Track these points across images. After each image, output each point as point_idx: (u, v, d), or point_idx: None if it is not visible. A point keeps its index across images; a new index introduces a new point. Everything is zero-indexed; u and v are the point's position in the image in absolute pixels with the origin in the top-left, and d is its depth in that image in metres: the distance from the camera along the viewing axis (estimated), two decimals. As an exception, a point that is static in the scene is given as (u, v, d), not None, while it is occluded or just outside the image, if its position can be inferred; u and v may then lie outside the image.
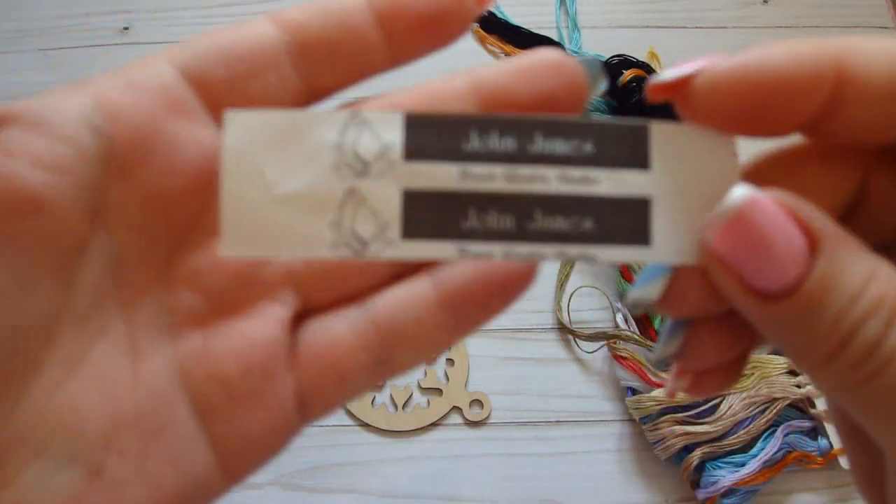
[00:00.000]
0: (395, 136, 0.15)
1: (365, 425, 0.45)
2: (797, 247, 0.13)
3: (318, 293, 0.17)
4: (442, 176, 0.15)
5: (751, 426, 0.41)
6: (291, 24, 0.16)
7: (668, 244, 0.15)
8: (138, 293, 0.17)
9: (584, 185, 0.15)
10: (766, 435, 0.42)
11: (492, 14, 0.57)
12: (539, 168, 0.15)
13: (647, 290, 0.15)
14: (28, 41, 0.57)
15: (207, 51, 0.16)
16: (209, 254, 0.17)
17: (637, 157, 0.15)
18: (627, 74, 0.52)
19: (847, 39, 0.14)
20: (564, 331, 0.47)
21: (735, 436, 0.41)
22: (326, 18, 0.16)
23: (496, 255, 0.15)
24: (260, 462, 0.17)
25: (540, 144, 0.15)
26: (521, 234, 0.15)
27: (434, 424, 0.44)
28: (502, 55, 0.56)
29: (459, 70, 0.17)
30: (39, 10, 0.58)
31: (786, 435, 0.41)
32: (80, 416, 0.15)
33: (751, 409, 0.41)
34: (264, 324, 0.17)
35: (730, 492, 0.40)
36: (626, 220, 0.15)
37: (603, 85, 0.16)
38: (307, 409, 0.17)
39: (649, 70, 0.53)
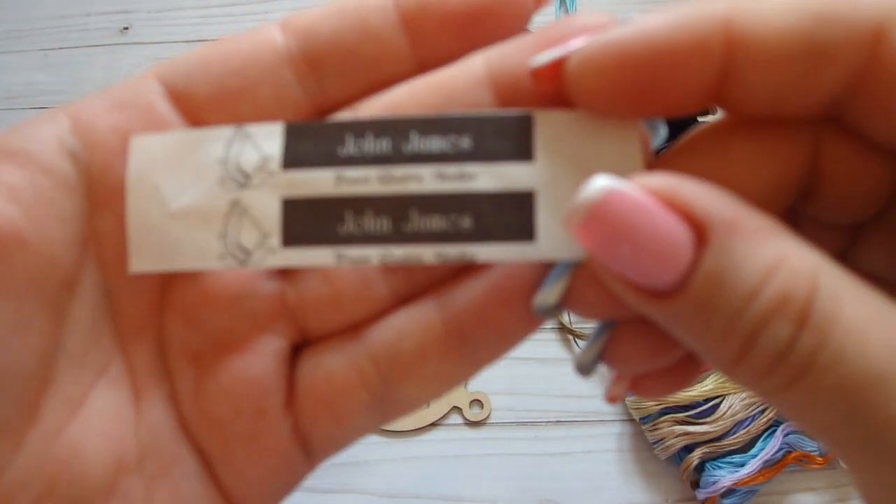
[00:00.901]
0: (274, 146, 0.15)
1: (365, 425, 0.45)
2: (678, 239, 0.11)
3: (315, 323, 0.16)
4: (319, 182, 0.15)
5: (751, 426, 0.41)
6: (301, 28, 0.15)
7: (555, 239, 0.14)
8: (133, 327, 0.16)
9: (460, 182, 0.14)
10: (765, 435, 0.42)
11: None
12: (414, 167, 0.14)
13: (545, 293, 0.14)
14: (28, 41, 0.57)
15: (197, 66, 0.15)
16: (201, 284, 0.16)
17: (519, 148, 0.14)
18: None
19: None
20: (564, 331, 0.47)
21: (735, 436, 0.41)
22: (341, 21, 0.15)
23: (373, 259, 0.14)
24: (270, 503, 0.16)
25: (416, 143, 0.14)
26: (398, 235, 0.14)
27: (434, 424, 0.44)
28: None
29: (473, 55, 0.15)
30: (39, 10, 0.58)
31: (786, 435, 0.41)
32: (83, 460, 0.15)
33: (751, 409, 0.41)
34: (257, 359, 0.16)
35: (730, 492, 0.40)
36: (508, 216, 0.14)
37: (663, 132, 0.15)
38: (311, 448, 0.16)
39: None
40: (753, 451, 0.41)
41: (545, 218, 0.14)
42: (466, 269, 0.15)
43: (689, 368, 0.15)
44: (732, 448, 0.41)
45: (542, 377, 0.46)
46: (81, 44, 0.56)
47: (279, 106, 0.15)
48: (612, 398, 0.16)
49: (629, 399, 0.43)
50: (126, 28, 0.57)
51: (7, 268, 0.14)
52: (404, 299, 0.16)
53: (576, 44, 0.13)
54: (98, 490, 0.15)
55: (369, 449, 0.44)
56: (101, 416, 0.15)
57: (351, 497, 0.43)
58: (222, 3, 0.58)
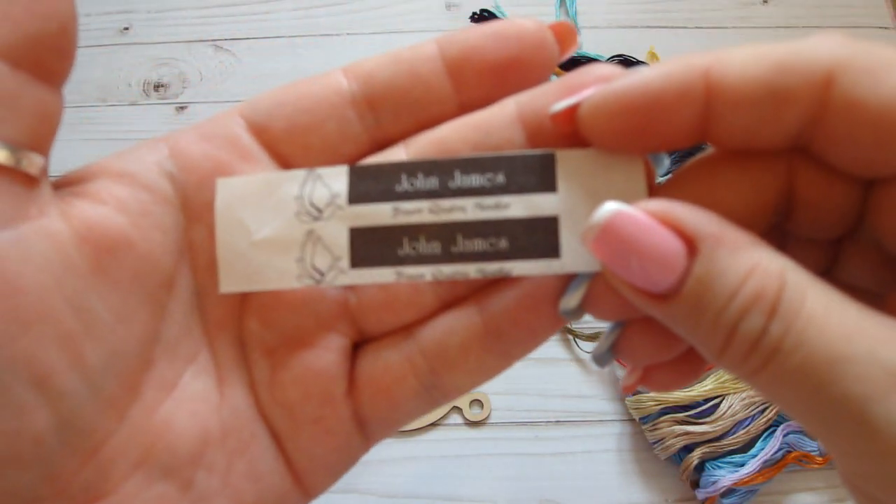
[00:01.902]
0: (341, 185, 0.18)
1: (365, 425, 0.45)
2: (673, 250, 0.14)
3: (372, 324, 0.19)
4: (379, 214, 0.17)
5: (750, 426, 0.41)
6: (362, 74, 0.18)
7: (576, 256, 0.17)
8: (217, 325, 0.18)
9: (497, 211, 0.17)
10: (765, 435, 0.42)
11: (491, 14, 0.57)
12: (458, 200, 0.17)
13: (568, 298, 0.17)
14: (28, 41, 0.57)
15: (273, 105, 0.18)
16: (274, 291, 0.18)
17: (544, 182, 0.17)
18: (627, 74, 0.52)
19: (717, 52, 0.15)
20: (564, 331, 0.47)
21: (735, 436, 0.41)
22: (396, 68, 0.18)
23: (426, 276, 0.17)
24: (331, 479, 0.19)
25: (459, 180, 0.17)
26: (447, 256, 0.17)
27: (434, 424, 0.45)
28: (502, 55, 0.56)
29: (506, 99, 0.17)
30: (39, 10, 0.58)
31: (785, 435, 0.41)
32: (174, 434, 0.17)
33: (750, 409, 0.41)
34: (323, 353, 0.18)
35: (729, 492, 0.40)
36: (538, 238, 0.17)
37: (665, 163, 0.17)
38: (368, 431, 0.19)
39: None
40: (753, 450, 0.41)
41: (567, 238, 0.17)
42: (501, 280, 0.18)
43: (693, 364, 0.18)
44: (732, 448, 0.41)
45: (542, 377, 0.46)
46: (81, 44, 0.56)
47: (342, 139, 0.18)
48: (626, 388, 0.19)
49: (629, 399, 0.43)
50: (126, 28, 0.57)
51: (116, 266, 0.16)
52: (448, 304, 0.18)
53: (587, 92, 0.16)
54: (186, 459, 0.17)
55: (369, 449, 0.44)
56: (191, 397, 0.18)
57: (351, 497, 0.43)
58: (222, 3, 0.58)
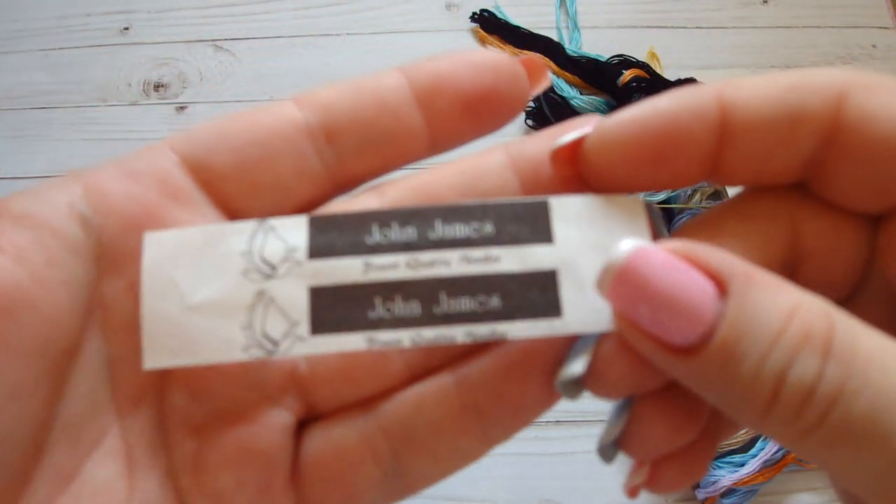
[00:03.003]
0: (300, 237, 0.15)
1: (365, 425, 0.45)
2: (703, 292, 0.12)
3: (325, 398, 0.16)
4: (347, 270, 0.15)
5: (751, 426, 0.41)
6: (319, 104, 0.15)
7: (581, 314, 0.15)
8: (133, 399, 0.15)
9: (486, 265, 0.15)
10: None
11: (491, 14, 0.57)
12: (440, 252, 0.15)
13: (571, 367, 0.15)
14: (28, 41, 0.57)
15: (215, 138, 0.15)
16: None
17: (539, 232, 0.15)
18: (627, 74, 0.52)
19: (728, 79, 0.15)
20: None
21: (734, 436, 0.41)
22: (359, 98, 0.15)
23: (404, 341, 0.15)
24: None
25: (440, 230, 0.15)
26: (429, 318, 0.15)
27: (434, 424, 0.45)
28: (502, 55, 0.56)
29: (494, 145, 0.16)
30: (40, 10, 0.58)
31: (786, 435, 0.42)
32: None
33: (751, 409, 0.41)
34: (262, 431, 0.15)
35: (729, 492, 0.40)
36: (534, 294, 0.15)
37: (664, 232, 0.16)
38: None
39: (649, 70, 0.53)
40: (753, 450, 0.41)
41: (569, 294, 0.15)
42: (482, 345, 0.15)
43: (704, 453, 0.15)
44: (732, 448, 0.41)
45: (542, 377, 0.46)
46: (82, 44, 0.57)
47: (298, 177, 0.15)
48: (631, 491, 0.16)
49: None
50: (126, 28, 0.57)
51: (14, 330, 0.13)
52: (419, 375, 0.16)
53: (590, 125, 0.15)
54: None
55: (369, 449, 0.44)
56: (93, 490, 0.15)
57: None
58: (222, 3, 0.58)
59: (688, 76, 0.54)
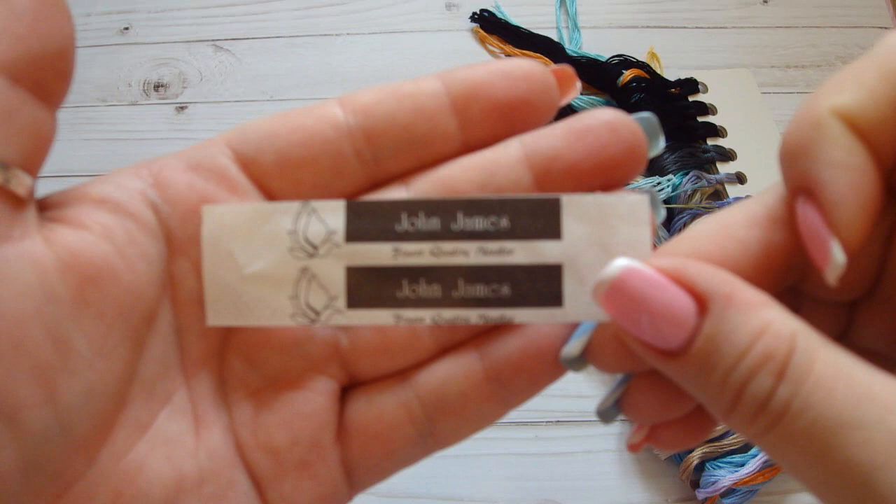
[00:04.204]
0: (338, 221, 0.17)
1: (365, 425, 0.45)
2: (683, 308, 0.14)
3: (365, 369, 0.18)
4: (378, 254, 0.17)
5: (751, 426, 0.41)
6: (360, 107, 0.17)
7: (579, 305, 0.16)
8: (197, 363, 0.17)
9: (500, 256, 0.17)
10: (765, 435, 0.42)
11: (491, 14, 0.57)
12: (460, 243, 0.17)
13: (570, 348, 0.17)
14: (28, 41, 0.57)
15: (263, 136, 0.17)
16: (264, 329, 0.18)
17: (549, 228, 0.17)
18: (627, 74, 0.52)
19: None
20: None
21: (735, 436, 0.41)
22: (398, 102, 0.17)
23: (426, 319, 0.17)
24: None
25: (461, 222, 0.17)
26: (448, 301, 0.17)
27: (434, 424, 0.44)
28: (502, 55, 0.56)
29: (510, 139, 0.17)
30: (39, 10, 0.58)
31: (786, 435, 0.41)
32: (146, 478, 0.16)
33: (751, 409, 0.41)
34: (312, 396, 0.17)
35: (730, 492, 0.40)
36: (541, 285, 0.17)
37: (661, 143, 0.17)
38: (355, 479, 0.18)
39: (649, 70, 0.53)
40: (753, 450, 0.41)
41: (570, 287, 0.17)
42: (503, 326, 0.17)
43: (702, 423, 0.17)
44: (732, 448, 0.41)
45: (542, 377, 0.46)
46: (82, 44, 0.56)
47: (336, 175, 0.17)
48: (631, 447, 0.18)
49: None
50: (126, 28, 0.57)
51: (99, 297, 0.15)
52: (446, 349, 0.18)
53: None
54: None
55: (369, 449, 0.44)
56: (165, 440, 0.17)
57: (351, 497, 0.43)
58: (222, 3, 0.58)
59: (688, 76, 0.54)
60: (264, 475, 0.17)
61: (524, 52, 0.55)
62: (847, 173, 0.14)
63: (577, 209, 0.16)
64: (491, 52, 0.56)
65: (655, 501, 0.42)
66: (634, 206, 0.16)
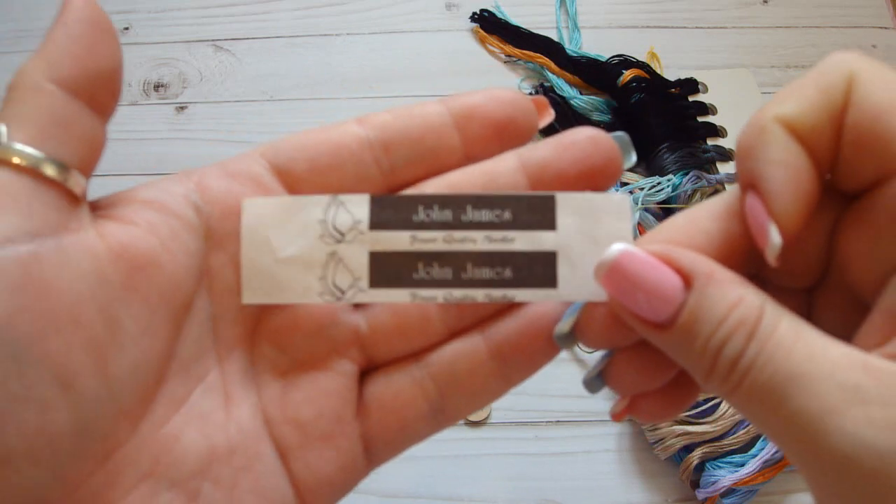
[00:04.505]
0: (363, 212, 0.19)
1: (365, 425, 0.45)
2: (672, 285, 0.16)
3: (382, 352, 0.20)
4: (398, 240, 0.19)
5: (751, 426, 0.41)
6: (377, 124, 0.20)
7: (570, 287, 0.19)
8: (229, 347, 0.20)
9: (503, 244, 0.19)
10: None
11: (491, 14, 0.57)
12: (469, 232, 0.19)
13: (561, 325, 0.19)
14: (28, 41, 0.57)
15: (294, 148, 0.20)
16: (288, 315, 0.20)
17: (546, 220, 0.19)
18: (627, 74, 0.52)
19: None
20: (564, 331, 0.47)
21: (735, 436, 0.41)
22: (409, 120, 0.20)
23: (439, 298, 0.19)
24: (332, 499, 0.20)
25: (470, 214, 0.19)
26: (458, 282, 0.19)
27: (434, 424, 0.44)
28: (502, 55, 0.56)
29: (507, 152, 0.20)
30: (39, 10, 0.58)
31: (786, 435, 0.41)
32: (181, 447, 0.18)
33: (751, 409, 0.41)
34: (335, 376, 0.20)
35: (730, 492, 0.40)
36: (538, 269, 0.19)
37: (633, 157, 0.20)
38: (373, 452, 0.20)
39: (649, 70, 0.53)
40: (753, 450, 0.41)
41: (563, 271, 0.19)
42: (503, 310, 0.20)
43: (678, 395, 0.19)
44: (732, 448, 0.41)
45: (543, 377, 0.45)
46: (82, 44, 0.57)
47: (359, 181, 0.19)
48: (615, 415, 0.20)
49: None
50: (126, 28, 0.57)
51: (145, 283, 0.17)
52: (455, 332, 0.20)
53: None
54: (192, 472, 0.18)
55: (369, 449, 0.44)
56: (199, 414, 0.19)
57: (351, 497, 0.43)
58: (222, 3, 0.58)
59: (688, 76, 0.54)
60: (290, 446, 0.19)
61: (524, 52, 0.55)
62: (785, 169, 0.16)
63: (569, 205, 0.19)
64: (491, 52, 0.56)
65: (655, 501, 0.42)
66: (618, 203, 0.19)
